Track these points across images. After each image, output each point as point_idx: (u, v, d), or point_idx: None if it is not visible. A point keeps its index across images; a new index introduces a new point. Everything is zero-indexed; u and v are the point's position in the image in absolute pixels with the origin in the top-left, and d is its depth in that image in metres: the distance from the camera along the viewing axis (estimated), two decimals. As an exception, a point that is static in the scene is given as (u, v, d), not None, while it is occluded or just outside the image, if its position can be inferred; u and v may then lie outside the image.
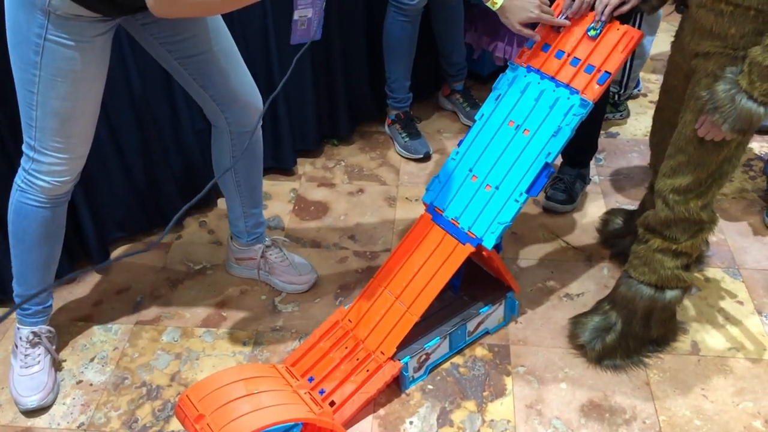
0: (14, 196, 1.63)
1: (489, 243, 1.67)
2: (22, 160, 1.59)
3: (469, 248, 1.69)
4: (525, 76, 1.74)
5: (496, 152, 1.72)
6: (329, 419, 1.44)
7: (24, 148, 1.57)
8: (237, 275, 2.08)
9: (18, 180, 1.61)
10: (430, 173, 2.49)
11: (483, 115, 1.77)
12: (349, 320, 1.76)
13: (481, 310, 1.80)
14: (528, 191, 1.66)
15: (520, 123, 1.71)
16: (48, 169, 1.56)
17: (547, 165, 1.66)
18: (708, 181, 1.58)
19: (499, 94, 1.76)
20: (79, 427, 1.67)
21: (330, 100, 2.54)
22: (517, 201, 1.66)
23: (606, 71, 1.64)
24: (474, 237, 1.69)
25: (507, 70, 1.77)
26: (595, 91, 1.64)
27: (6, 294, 1.93)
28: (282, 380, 1.53)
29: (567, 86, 1.67)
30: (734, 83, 1.40)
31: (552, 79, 1.70)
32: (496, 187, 1.70)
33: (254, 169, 1.91)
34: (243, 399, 1.41)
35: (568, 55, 1.69)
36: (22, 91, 1.48)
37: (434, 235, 1.75)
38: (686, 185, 1.59)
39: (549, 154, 1.65)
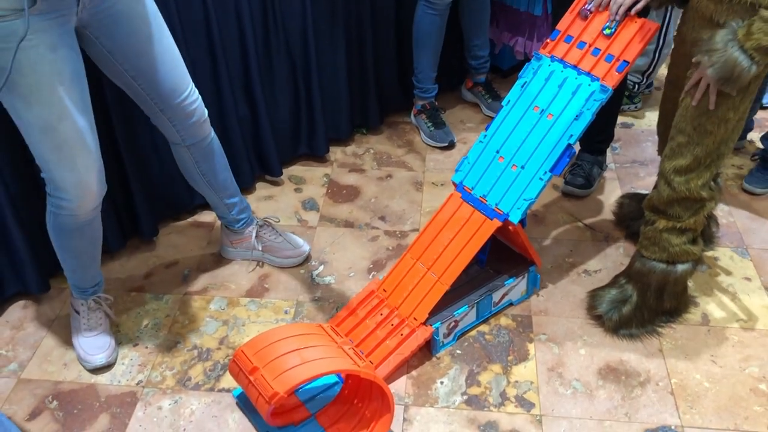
0: (49, 217, 1.71)
1: (515, 218, 1.82)
2: (46, 186, 1.65)
3: (497, 223, 1.83)
4: (549, 65, 1.88)
5: (522, 135, 1.86)
6: (372, 371, 1.59)
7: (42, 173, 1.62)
8: (232, 258, 2.20)
9: (48, 205, 1.68)
10: (454, 160, 2.63)
11: (509, 101, 1.92)
12: (384, 290, 1.90)
13: (505, 282, 1.95)
14: (552, 170, 1.80)
15: (544, 108, 1.85)
16: (62, 186, 1.59)
17: (569, 146, 1.80)
18: (707, 161, 1.70)
19: (525, 82, 1.90)
20: (138, 383, 1.83)
21: (361, 92, 2.69)
22: (541, 179, 1.81)
23: (624, 60, 1.78)
24: (501, 213, 1.84)
25: (532, 60, 1.92)
26: (615, 78, 1.78)
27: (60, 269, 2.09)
28: (327, 337, 1.68)
29: (588, 74, 1.81)
30: (734, 32, 1.51)
31: (574, 67, 1.84)
32: (522, 167, 1.84)
33: (219, 166, 1.98)
34: (294, 353, 1.55)
35: (590, 46, 1.83)
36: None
37: (463, 211, 1.90)
38: (686, 165, 1.71)
39: (571, 136, 1.79)
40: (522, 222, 1.86)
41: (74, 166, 1.57)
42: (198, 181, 1.99)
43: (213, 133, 1.93)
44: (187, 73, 1.78)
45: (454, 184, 1.96)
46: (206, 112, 1.86)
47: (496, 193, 1.86)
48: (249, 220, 2.15)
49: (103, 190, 1.68)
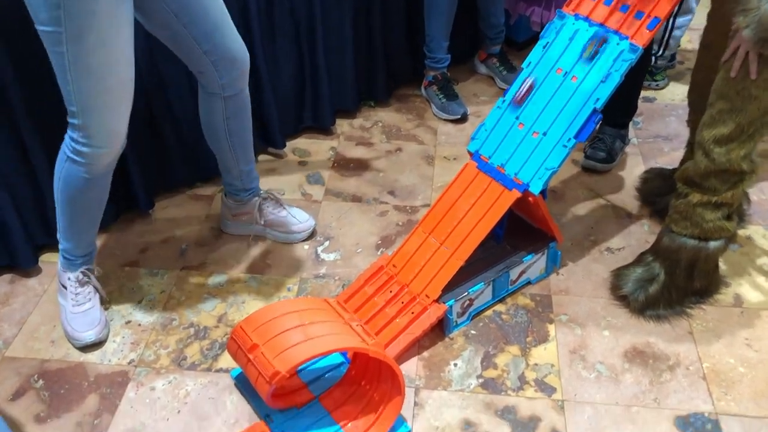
0: (62, 166, 1.61)
1: (536, 188, 1.69)
2: (69, 130, 1.55)
3: (516, 194, 1.70)
4: (573, 23, 1.74)
5: (544, 99, 1.73)
6: (380, 350, 1.47)
7: (69, 117, 1.52)
8: (233, 232, 2.08)
9: (66, 150, 1.58)
10: (467, 134, 2.50)
11: (530, 63, 1.78)
12: (394, 266, 1.78)
13: (524, 259, 1.82)
14: (576, 136, 1.67)
15: (567, 70, 1.72)
16: (95, 133, 1.52)
17: (595, 111, 1.66)
18: (750, 129, 1.57)
19: (547, 42, 1.77)
20: (129, 363, 1.71)
21: (368, 62, 2.55)
22: (565, 146, 1.67)
23: (656, 17, 1.64)
24: (521, 183, 1.70)
25: (554, 19, 1.78)
26: (645, 35, 1.64)
27: (52, 237, 1.97)
28: (334, 312, 1.56)
29: (616, 32, 1.68)
30: None
31: (601, 26, 1.70)
32: (544, 134, 1.71)
33: (246, 126, 1.89)
34: (296, 329, 1.43)
35: (618, 2, 1.70)
36: (53, 55, 1.42)
37: (480, 181, 1.77)
38: (728, 134, 1.58)
39: (598, 99, 1.66)
40: (543, 193, 1.73)
41: (116, 113, 1.53)
42: (221, 139, 1.86)
43: (247, 89, 1.82)
44: (229, 16, 1.68)
45: (469, 153, 1.82)
46: (248, 61, 1.77)
47: (516, 162, 1.73)
48: (256, 191, 2.02)
49: (124, 145, 1.62)
